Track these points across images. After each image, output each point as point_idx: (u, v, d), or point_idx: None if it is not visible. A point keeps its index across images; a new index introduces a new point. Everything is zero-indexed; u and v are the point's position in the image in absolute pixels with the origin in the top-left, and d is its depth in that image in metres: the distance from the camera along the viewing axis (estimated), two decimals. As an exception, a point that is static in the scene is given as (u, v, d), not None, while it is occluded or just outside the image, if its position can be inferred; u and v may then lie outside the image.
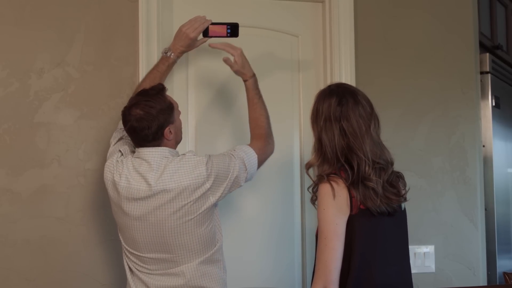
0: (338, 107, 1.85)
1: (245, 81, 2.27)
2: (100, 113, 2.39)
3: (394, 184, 1.89)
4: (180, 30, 2.26)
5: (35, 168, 2.34)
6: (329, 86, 1.97)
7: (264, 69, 2.62)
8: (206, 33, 2.29)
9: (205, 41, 2.33)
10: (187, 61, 2.53)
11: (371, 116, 1.88)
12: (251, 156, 2.11)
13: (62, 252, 2.35)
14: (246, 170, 2.08)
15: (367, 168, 1.80)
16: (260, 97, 2.27)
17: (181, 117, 2.16)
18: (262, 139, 2.21)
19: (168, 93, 2.11)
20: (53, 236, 2.34)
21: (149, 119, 1.98)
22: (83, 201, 2.37)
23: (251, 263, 2.60)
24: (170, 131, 2.02)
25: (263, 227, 2.62)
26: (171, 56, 2.27)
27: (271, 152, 2.25)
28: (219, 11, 2.60)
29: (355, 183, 1.79)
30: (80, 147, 2.38)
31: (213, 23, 2.29)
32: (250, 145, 2.17)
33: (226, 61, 2.26)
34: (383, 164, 1.85)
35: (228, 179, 2.02)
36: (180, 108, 2.13)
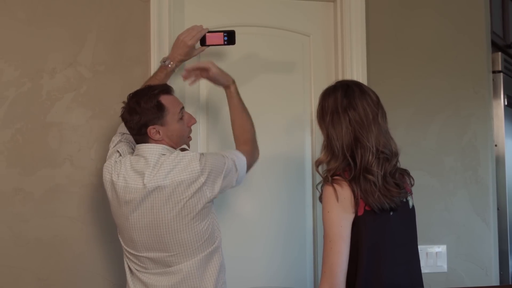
0: (345, 99, 1.84)
1: (226, 88, 2.26)
2: (112, 113, 2.40)
3: (396, 177, 1.86)
4: (178, 38, 2.30)
5: (47, 168, 2.35)
6: (331, 85, 1.95)
7: (276, 68, 2.62)
8: (203, 42, 2.32)
9: (203, 50, 2.35)
10: (198, 61, 2.53)
11: (378, 105, 1.87)
12: (241, 158, 2.11)
13: (74, 251, 2.36)
14: (237, 171, 2.07)
15: (370, 157, 1.78)
16: (243, 103, 2.27)
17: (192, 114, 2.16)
18: (249, 144, 2.21)
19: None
20: (65, 235, 2.36)
21: (133, 113, 2.02)
22: (95, 201, 2.38)
23: (262, 262, 2.60)
24: (157, 132, 2.02)
25: (274, 226, 2.62)
26: (170, 65, 2.29)
27: (257, 158, 2.24)
28: (230, 11, 2.61)
29: (356, 177, 1.78)
30: (92, 146, 2.39)
31: (210, 31, 2.31)
32: (238, 149, 2.17)
33: (199, 75, 2.26)
34: (388, 154, 1.83)
35: (223, 175, 2.01)
36: (191, 107, 2.12)
